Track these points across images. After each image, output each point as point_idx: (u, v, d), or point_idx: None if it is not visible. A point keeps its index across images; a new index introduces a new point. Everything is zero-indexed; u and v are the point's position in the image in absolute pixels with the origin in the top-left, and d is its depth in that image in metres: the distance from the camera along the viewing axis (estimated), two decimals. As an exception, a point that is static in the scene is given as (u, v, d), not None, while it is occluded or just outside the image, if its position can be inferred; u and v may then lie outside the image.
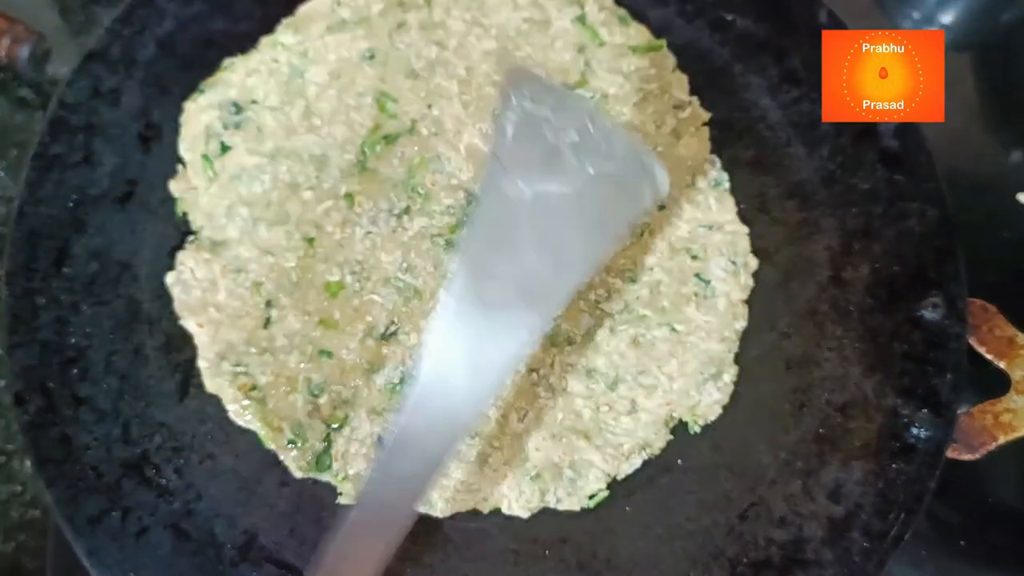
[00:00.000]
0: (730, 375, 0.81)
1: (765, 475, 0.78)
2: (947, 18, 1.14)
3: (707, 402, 0.81)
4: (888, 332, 0.81)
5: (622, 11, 0.92)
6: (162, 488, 0.75)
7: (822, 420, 0.80)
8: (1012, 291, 0.90)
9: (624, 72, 0.89)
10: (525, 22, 0.90)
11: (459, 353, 0.63)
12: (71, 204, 0.81)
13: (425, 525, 0.77)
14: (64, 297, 0.79)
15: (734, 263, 0.84)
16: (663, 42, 0.91)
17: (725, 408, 0.81)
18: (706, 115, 0.89)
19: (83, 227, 0.81)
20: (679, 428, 0.81)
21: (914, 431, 0.77)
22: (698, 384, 0.81)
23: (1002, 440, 0.78)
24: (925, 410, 0.78)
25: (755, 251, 0.85)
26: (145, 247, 0.82)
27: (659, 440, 0.80)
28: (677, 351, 0.82)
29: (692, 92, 0.90)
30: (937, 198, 0.83)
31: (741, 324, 0.83)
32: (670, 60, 0.90)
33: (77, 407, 0.76)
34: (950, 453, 0.77)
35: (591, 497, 0.78)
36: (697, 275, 0.84)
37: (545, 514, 0.78)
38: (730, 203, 0.86)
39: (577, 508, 0.77)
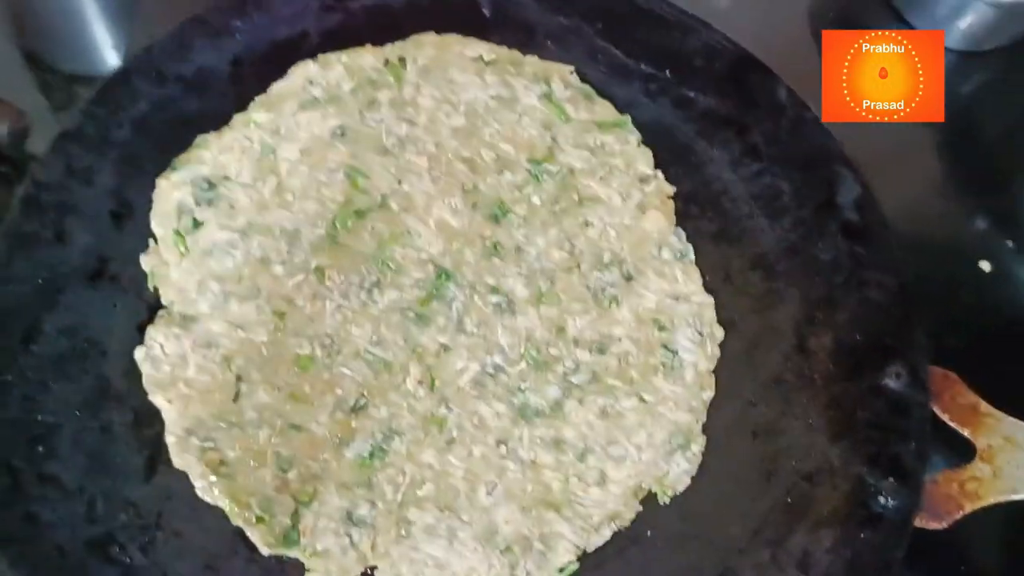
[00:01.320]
0: (699, 445, 0.82)
1: (734, 545, 0.78)
2: None
3: (676, 472, 0.81)
4: (852, 400, 0.82)
5: (587, 88, 0.94)
6: (127, 567, 0.74)
7: (789, 488, 0.80)
8: (975, 357, 0.91)
9: (590, 147, 0.92)
10: (493, 99, 0.92)
11: None
12: (41, 281, 0.81)
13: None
14: (32, 375, 0.78)
15: (701, 333, 0.85)
16: (627, 118, 0.93)
17: (693, 478, 0.81)
18: (671, 189, 0.91)
19: (53, 304, 0.81)
20: (648, 498, 0.81)
21: (881, 500, 0.77)
22: (667, 454, 0.81)
23: (968, 509, 0.78)
24: (891, 478, 0.78)
25: (720, 321, 0.87)
26: (115, 324, 0.82)
27: (629, 511, 0.80)
28: (646, 421, 0.82)
29: (657, 166, 0.92)
30: (896, 268, 0.85)
31: (708, 394, 0.84)
32: (634, 136, 0.92)
33: (43, 485, 0.75)
34: (918, 522, 0.77)
35: (561, 570, 0.78)
36: (664, 346, 0.85)
37: None
38: (696, 274, 0.88)
39: (547, 582, 0.77)
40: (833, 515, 0.78)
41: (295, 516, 0.77)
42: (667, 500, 0.80)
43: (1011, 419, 0.80)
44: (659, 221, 0.89)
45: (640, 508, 0.80)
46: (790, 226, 0.89)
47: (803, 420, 0.82)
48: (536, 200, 0.89)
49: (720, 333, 0.86)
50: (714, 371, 0.85)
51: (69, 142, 0.86)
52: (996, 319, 1.02)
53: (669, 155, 0.93)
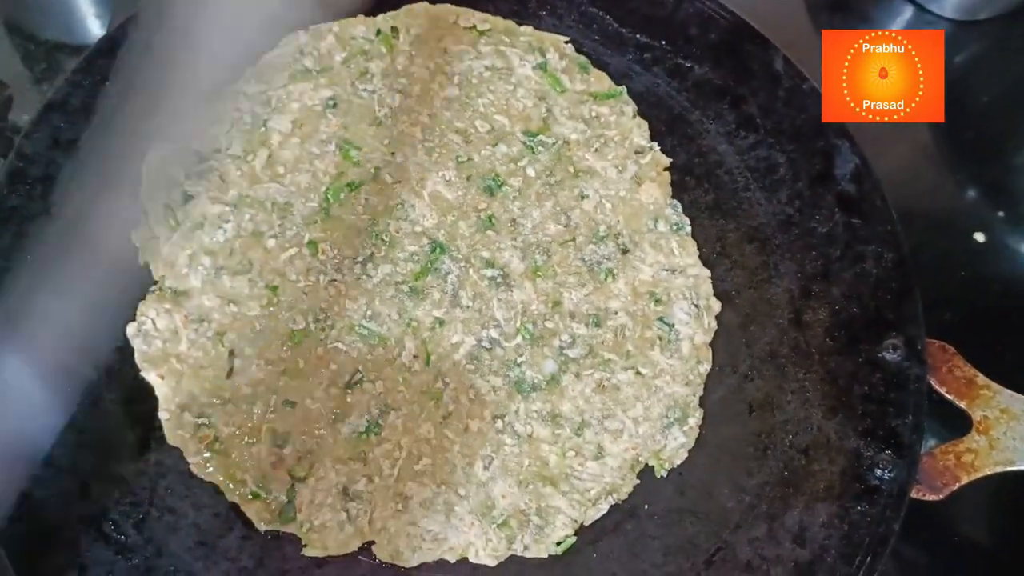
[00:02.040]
0: (695, 419, 0.82)
1: (730, 519, 0.79)
2: None
3: (673, 446, 0.81)
4: (848, 374, 0.82)
5: (582, 58, 0.93)
6: (121, 544, 0.74)
7: (785, 463, 0.80)
8: (970, 330, 0.92)
9: (585, 118, 0.91)
10: (487, 70, 0.91)
11: None
12: (29, 256, 0.80)
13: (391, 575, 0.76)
14: None
15: (697, 306, 0.85)
16: (623, 89, 0.92)
17: (690, 452, 0.81)
18: (666, 160, 0.90)
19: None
20: (644, 473, 0.81)
21: (877, 473, 0.78)
22: (664, 428, 0.81)
23: (965, 480, 0.78)
24: (887, 451, 0.78)
25: (716, 295, 0.86)
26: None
27: (626, 485, 0.80)
28: (642, 395, 0.82)
29: (652, 138, 0.91)
30: (893, 241, 0.85)
31: (705, 367, 0.84)
32: (630, 107, 0.92)
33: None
34: (914, 494, 0.78)
35: (558, 544, 0.77)
36: (661, 319, 0.84)
37: (511, 562, 0.77)
38: (692, 247, 0.87)
39: (545, 555, 0.77)
40: (829, 489, 0.78)
41: (291, 492, 0.76)
42: (664, 474, 0.80)
43: (1007, 391, 0.81)
44: (655, 193, 0.89)
45: (637, 482, 0.80)
46: (786, 199, 0.89)
47: (799, 394, 0.82)
48: (531, 172, 0.88)
49: (717, 306, 0.86)
50: (710, 344, 0.85)
51: (54, 113, 0.85)
52: (991, 291, 1.02)
53: (663, 126, 0.93)
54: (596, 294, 0.85)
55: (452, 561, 0.76)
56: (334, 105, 0.88)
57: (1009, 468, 0.78)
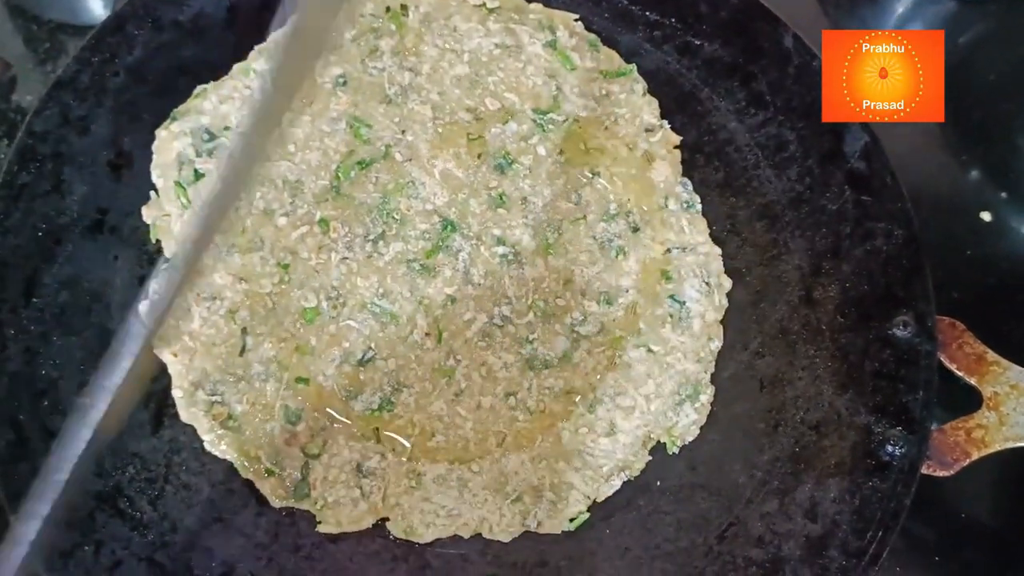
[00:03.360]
0: (707, 396, 0.82)
1: (742, 495, 0.79)
2: None
3: (684, 423, 0.81)
4: (859, 351, 0.82)
5: (592, 36, 0.93)
6: (136, 520, 0.74)
7: (797, 439, 0.80)
8: (979, 308, 0.92)
9: (595, 96, 0.90)
10: (497, 47, 0.90)
11: None
12: (40, 233, 0.80)
13: (404, 551, 0.76)
14: (34, 328, 0.78)
15: (708, 284, 0.85)
16: (633, 67, 0.92)
17: (702, 428, 0.82)
18: (676, 139, 0.90)
19: (53, 257, 0.80)
20: (656, 449, 0.81)
21: (888, 448, 0.78)
22: (675, 405, 0.81)
23: (975, 456, 0.79)
24: (898, 427, 0.79)
25: (727, 272, 0.87)
26: (116, 276, 0.81)
27: (638, 461, 0.80)
28: (654, 372, 0.82)
29: (662, 116, 0.91)
30: (904, 218, 0.85)
31: (717, 344, 0.84)
32: (640, 85, 0.91)
33: (49, 439, 0.74)
34: (925, 470, 0.78)
35: (572, 520, 0.78)
36: (672, 296, 0.84)
37: (524, 538, 0.78)
38: (702, 224, 0.88)
39: (558, 531, 0.78)
40: (840, 465, 0.79)
41: (305, 469, 0.77)
42: (676, 450, 0.81)
43: (1017, 367, 0.81)
44: (665, 172, 0.89)
45: (650, 458, 0.80)
46: (796, 176, 0.89)
47: (810, 371, 0.83)
48: (542, 150, 0.88)
49: (728, 283, 0.86)
50: (721, 321, 0.85)
51: (63, 91, 0.84)
52: (999, 270, 1.02)
53: (673, 104, 0.93)
54: (607, 272, 0.85)
55: (466, 537, 0.77)
56: (344, 83, 0.87)
57: (1019, 444, 0.79)
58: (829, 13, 1.17)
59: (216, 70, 0.88)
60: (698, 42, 0.94)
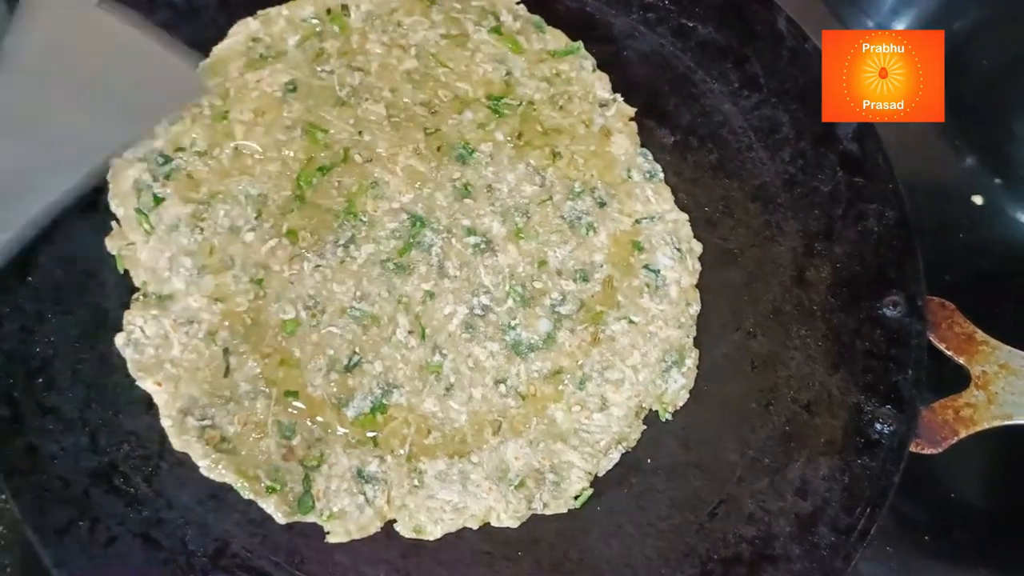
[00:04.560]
0: (692, 359, 0.84)
1: (733, 473, 0.81)
2: (900, 26, 1.17)
3: (674, 389, 0.83)
4: (850, 331, 0.85)
5: (537, 18, 0.93)
6: (131, 497, 0.74)
7: (788, 418, 0.82)
8: (970, 291, 0.94)
9: (546, 77, 0.91)
10: (443, 38, 0.90)
11: None
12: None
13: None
14: (29, 306, 0.78)
15: (679, 250, 0.86)
16: (579, 44, 0.93)
17: (693, 406, 0.83)
18: (631, 110, 0.91)
19: (48, 235, 0.79)
20: (649, 427, 0.82)
21: (877, 427, 0.81)
22: (662, 372, 0.83)
23: (963, 434, 0.81)
24: (888, 406, 0.81)
25: (720, 253, 0.88)
26: (110, 255, 0.81)
27: (634, 432, 0.81)
28: (638, 342, 0.83)
29: (655, 97, 0.93)
30: (895, 200, 0.87)
31: (695, 308, 0.86)
32: (589, 61, 0.92)
33: (43, 417, 0.75)
34: (913, 448, 0.80)
35: (576, 497, 0.79)
36: (646, 266, 0.86)
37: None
38: (667, 192, 0.89)
39: (564, 510, 0.78)
40: (831, 443, 0.81)
41: (307, 481, 0.76)
42: (669, 417, 0.82)
43: (1006, 347, 0.83)
44: (624, 144, 0.90)
45: (644, 427, 0.82)
46: (789, 158, 0.91)
47: (802, 351, 0.85)
48: (500, 136, 0.88)
49: (698, 247, 0.87)
50: (712, 298, 0.87)
51: None
52: (990, 253, 1.05)
53: (667, 86, 0.94)
54: (580, 249, 0.85)
55: (475, 528, 0.77)
56: (294, 89, 0.86)
57: (1007, 422, 0.81)
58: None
59: (207, 48, 0.88)
60: (692, 24, 0.95)
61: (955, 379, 0.84)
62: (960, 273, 1.00)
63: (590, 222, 0.86)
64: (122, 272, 0.80)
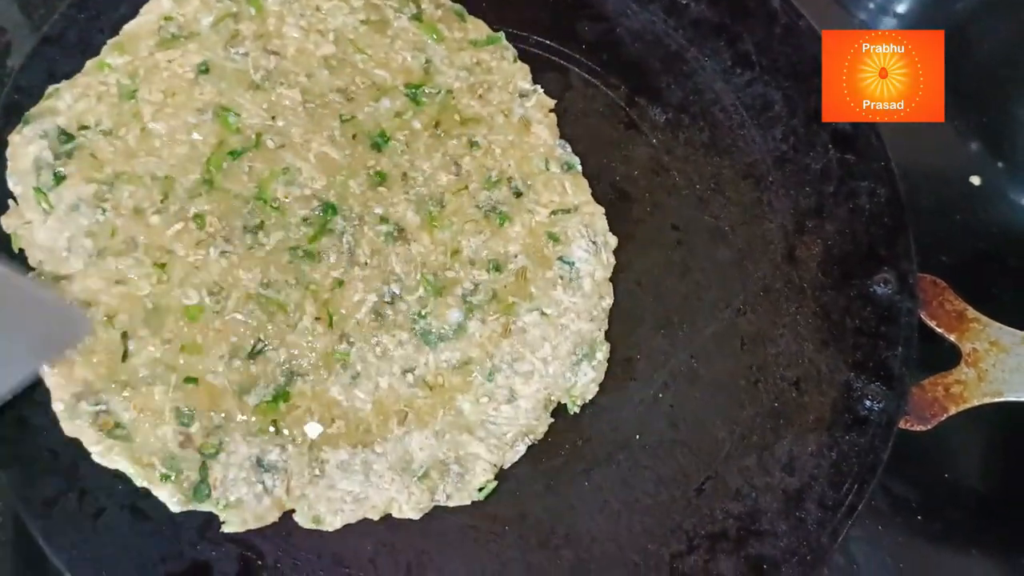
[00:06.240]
0: (603, 353, 0.83)
1: (721, 450, 0.81)
2: (902, 7, 1.16)
3: (583, 382, 0.82)
4: (841, 308, 0.85)
5: (458, 7, 0.92)
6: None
7: (777, 395, 0.82)
8: (967, 272, 0.95)
9: (467, 66, 0.90)
10: (362, 24, 0.89)
11: None
12: None
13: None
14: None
15: (595, 243, 0.86)
16: (501, 34, 0.92)
17: (682, 383, 0.83)
18: (551, 102, 0.91)
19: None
20: (639, 405, 0.82)
21: (866, 403, 0.81)
22: (573, 365, 0.82)
23: (953, 411, 0.81)
24: (877, 383, 0.81)
25: (711, 231, 0.88)
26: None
27: (541, 425, 0.80)
28: (549, 335, 0.82)
29: (647, 76, 0.93)
30: (887, 177, 0.87)
31: (608, 302, 0.85)
32: (510, 51, 0.91)
33: (33, 388, 0.74)
34: (903, 424, 0.80)
35: (480, 489, 0.78)
36: (560, 258, 0.85)
37: (504, 492, 0.78)
38: (584, 184, 0.88)
39: (467, 502, 0.77)
40: (819, 420, 0.81)
41: (203, 470, 0.74)
42: (577, 410, 0.81)
43: (997, 324, 0.84)
44: (543, 135, 0.89)
45: (552, 420, 0.81)
46: (781, 136, 0.91)
47: (791, 328, 0.85)
48: (417, 124, 0.87)
49: (613, 241, 0.86)
50: (702, 277, 0.87)
51: (50, 47, 0.85)
52: (987, 233, 1.05)
53: (659, 64, 0.94)
54: (494, 239, 0.84)
55: (375, 519, 0.76)
56: (206, 71, 0.85)
57: (997, 399, 0.81)
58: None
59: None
60: (685, 2, 0.96)
61: (946, 357, 0.84)
62: (957, 254, 1.00)
63: (505, 212, 0.85)
64: (17, 251, 0.78)
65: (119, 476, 0.74)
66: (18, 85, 0.83)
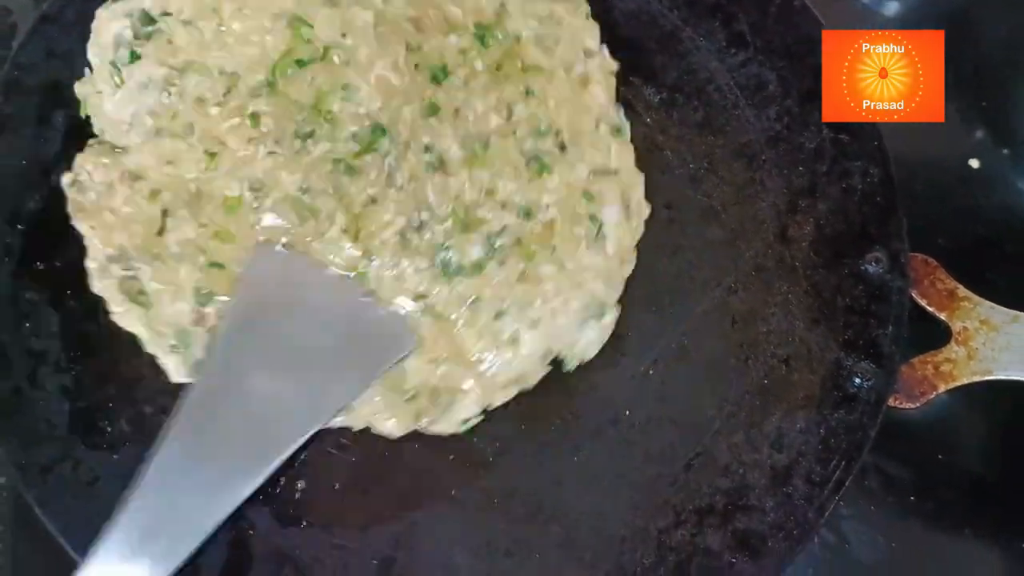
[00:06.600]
0: (611, 317, 0.83)
1: (710, 426, 0.81)
2: None
3: (585, 341, 0.82)
4: (832, 287, 0.84)
5: (543, -44, 0.93)
6: (114, 438, 0.77)
7: (767, 372, 0.82)
8: (963, 255, 0.94)
9: (539, 16, 0.90)
10: (447, -43, 0.91)
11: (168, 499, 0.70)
12: (24, 163, 0.83)
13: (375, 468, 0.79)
14: (18, 254, 0.81)
15: (628, 208, 0.86)
16: (583, -12, 0.92)
17: (673, 360, 0.83)
18: (614, 65, 0.90)
19: (37, 185, 0.83)
20: (622, 380, 0.83)
21: (856, 381, 0.80)
22: (580, 323, 0.82)
23: (942, 389, 0.81)
24: (867, 361, 0.81)
25: (703, 210, 0.88)
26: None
27: (535, 375, 0.81)
28: (563, 288, 0.83)
29: (641, 55, 0.92)
30: (879, 157, 0.86)
31: (628, 268, 0.85)
32: (584, 8, 0.91)
33: (31, 360, 0.78)
34: (892, 402, 0.80)
35: (465, 422, 0.79)
36: (591, 217, 0.85)
37: (495, 465, 0.80)
38: (629, 151, 0.88)
39: (449, 432, 0.79)
40: (808, 398, 0.81)
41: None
42: (573, 367, 0.82)
43: (988, 303, 0.83)
44: (600, 95, 0.89)
45: (546, 371, 0.82)
46: (775, 115, 0.90)
47: (782, 307, 0.84)
48: (479, 65, 0.88)
49: (646, 210, 0.86)
50: (694, 255, 0.87)
51: (49, 24, 0.87)
52: (985, 216, 1.02)
53: (654, 44, 0.93)
54: (530, 187, 0.85)
55: (355, 429, 0.79)
56: (289, -19, 0.88)
57: (987, 377, 0.81)
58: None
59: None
60: None
61: (937, 337, 0.83)
62: (954, 237, 0.98)
63: (547, 163, 0.86)
64: (84, 117, 0.84)
65: (112, 446, 0.77)
66: (18, 62, 0.86)
